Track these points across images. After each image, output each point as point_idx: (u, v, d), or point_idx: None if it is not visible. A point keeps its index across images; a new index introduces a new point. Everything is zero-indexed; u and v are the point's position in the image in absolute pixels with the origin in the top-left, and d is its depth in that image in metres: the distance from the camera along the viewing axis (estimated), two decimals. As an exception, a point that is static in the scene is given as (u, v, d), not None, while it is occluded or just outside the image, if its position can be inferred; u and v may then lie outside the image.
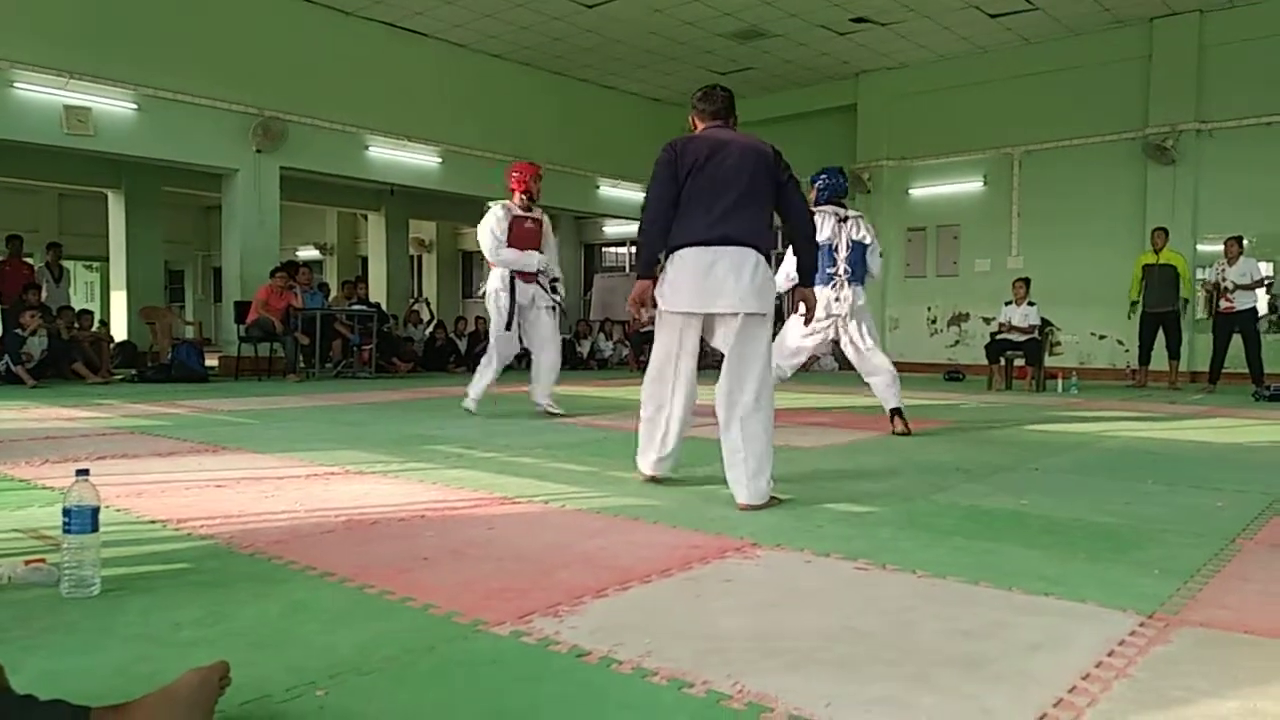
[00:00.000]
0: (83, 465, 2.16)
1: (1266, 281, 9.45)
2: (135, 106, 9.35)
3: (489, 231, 5.99)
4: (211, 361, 10.51)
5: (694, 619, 1.96)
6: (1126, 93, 11.29)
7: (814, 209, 5.27)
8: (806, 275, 3.49)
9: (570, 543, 2.66)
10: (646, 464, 3.59)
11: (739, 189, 3.23)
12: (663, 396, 3.44)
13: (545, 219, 6.27)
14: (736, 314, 3.21)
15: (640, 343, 13.32)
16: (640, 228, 3.39)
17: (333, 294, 13.16)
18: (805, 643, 1.80)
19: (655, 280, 3.34)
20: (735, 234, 3.21)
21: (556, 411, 6.19)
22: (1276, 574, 2.35)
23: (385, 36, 11.40)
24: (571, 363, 13.30)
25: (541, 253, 6.13)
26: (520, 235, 6.03)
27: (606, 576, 2.25)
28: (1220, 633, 1.87)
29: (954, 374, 11.45)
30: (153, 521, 2.83)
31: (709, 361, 3.39)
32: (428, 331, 12.76)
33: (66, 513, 2.03)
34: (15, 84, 8.61)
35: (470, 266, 19.36)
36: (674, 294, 3.29)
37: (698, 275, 3.22)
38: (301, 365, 9.96)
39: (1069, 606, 2.04)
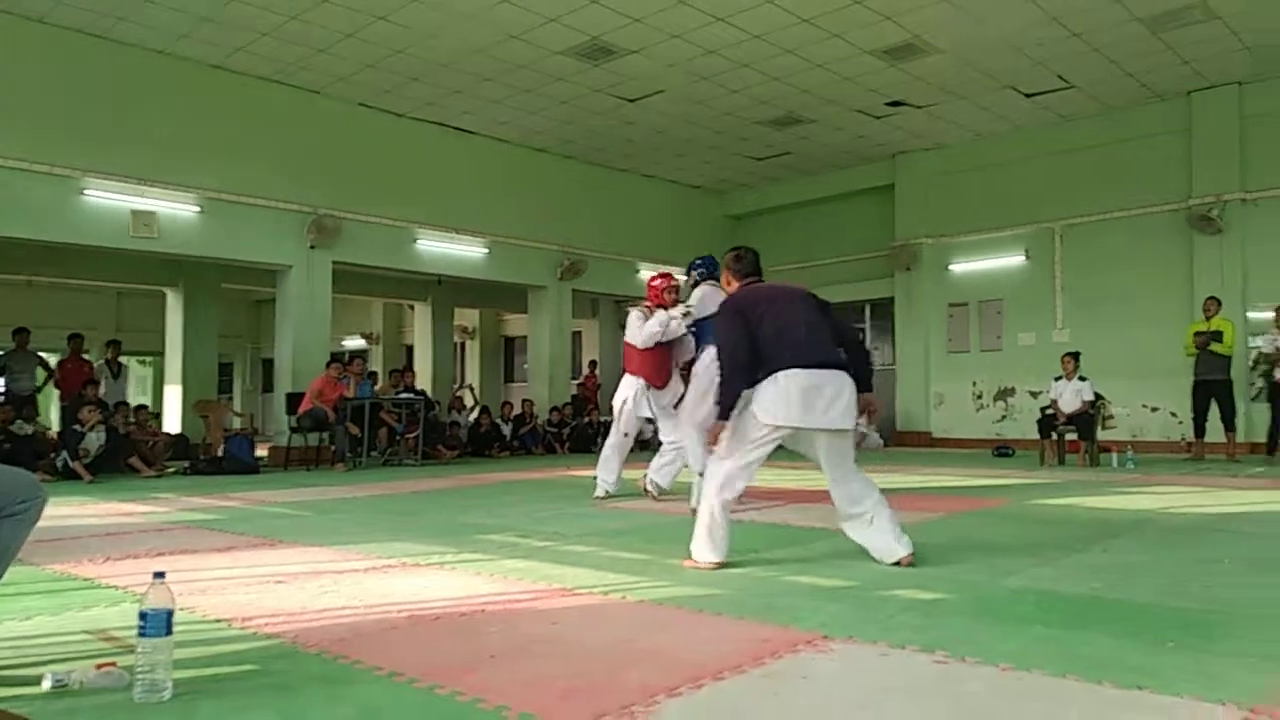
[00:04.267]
0: (145, 562, 2.19)
1: None
2: (198, 209, 9.73)
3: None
4: (260, 452, 10.65)
5: None
6: (1168, 165, 11.28)
7: (701, 286, 6.05)
8: (867, 381, 3.81)
9: (636, 637, 2.61)
10: (720, 553, 3.68)
11: (812, 323, 3.73)
12: (738, 488, 3.71)
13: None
14: (832, 430, 3.64)
15: (684, 425, 13.26)
16: (722, 373, 3.76)
17: (379, 383, 13.36)
18: (893, 745, 1.74)
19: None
20: (830, 359, 3.67)
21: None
22: (1383, 664, 2.23)
23: (435, 135, 11.81)
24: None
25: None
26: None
27: (677, 674, 2.20)
28: (1334, 731, 1.78)
29: (1003, 449, 11.22)
30: (218, 620, 2.83)
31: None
32: (472, 417, 12.85)
33: (142, 616, 2.04)
34: (85, 191, 9.01)
35: (512, 352, 19.57)
36: (784, 409, 3.58)
37: (805, 394, 3.57)
38: (348, 454, 10.06)
39: (1166, 702, 1.95)
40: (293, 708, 2.00)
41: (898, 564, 3.61)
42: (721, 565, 3.65)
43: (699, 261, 6.40)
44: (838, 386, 3.62)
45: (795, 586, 3.26)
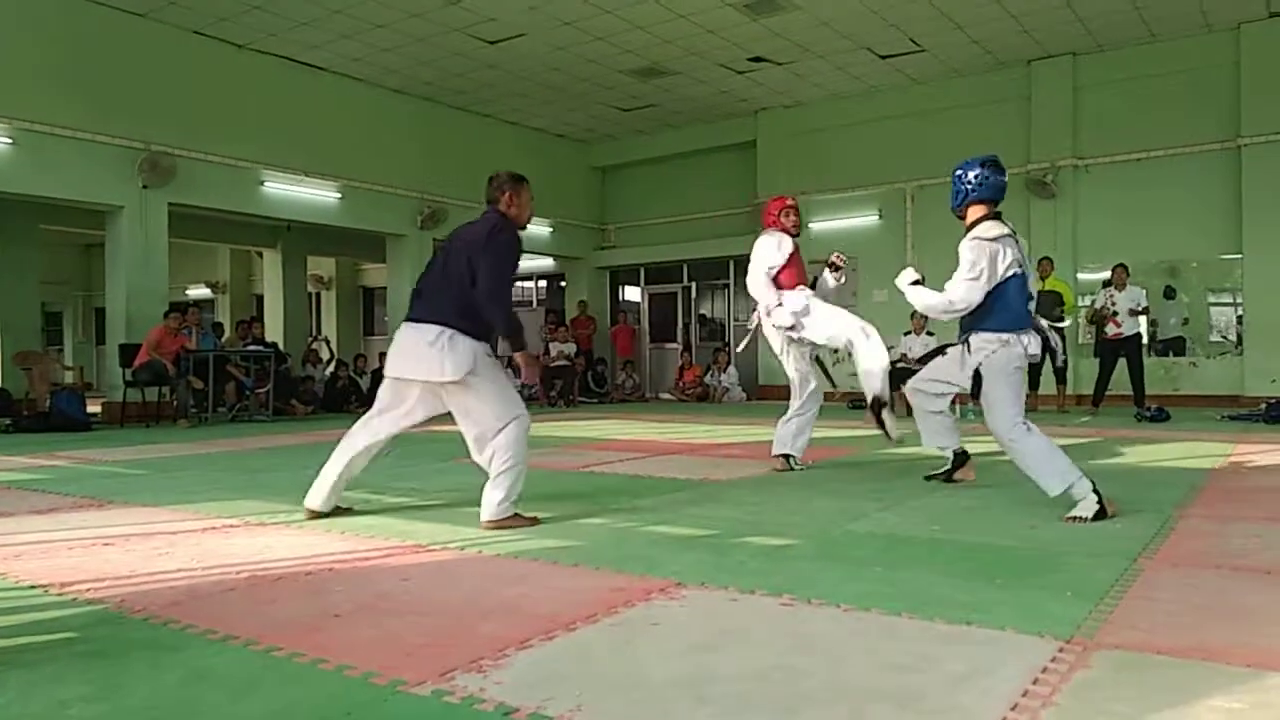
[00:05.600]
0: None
1: (1145, 308, 10.03)
2: (9, 141, 8.84)
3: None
4: (94, 408, 9.94)
5: (624, 667, 1.91)
6: (1009, 130, 11.88)
7: (979, 230, 4.22)
8: (507, 337, 3.64)
9: (489, 591, 2.57)
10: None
11: (442, 273, 3.63)
12: (356, 443, 3.77)
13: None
14: (422, 381, 3.58)
15: (551, 377, 13.24)
16: None
17: (226, 334, 12.66)
18: (739, 686, 1.77)
19: None
20: (424, 315, 3.58)
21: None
22: (1179, 593, 2.45)
23: (281, 70, 11.13)
24: (479, 400, 13.09)
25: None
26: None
27: (530, 626, 2.18)
28: (1135, 655, 1.93)
29: (857, 403, 11.70)
30: (33, 586, 2.62)
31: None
32: (328, 371, 12.38)
33: (-66, 585, 1.85)
34: (-128, 116, 8.05)
35: (372, 303, 18.91)
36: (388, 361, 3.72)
37: (394, 347, 3.66)
38: (194, 410, 9.52)
39: (990, 635, 2.07)
40: (112, 676, 1.87)
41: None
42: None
43: (965, 170, 4.31)
44: (415, 338, 3.53)
45: (652, 537, 3.29)
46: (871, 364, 5.12)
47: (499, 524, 3.49)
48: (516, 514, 3.56)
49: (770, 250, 5.16)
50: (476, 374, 3.50)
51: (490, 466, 3.55)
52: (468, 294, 3.53)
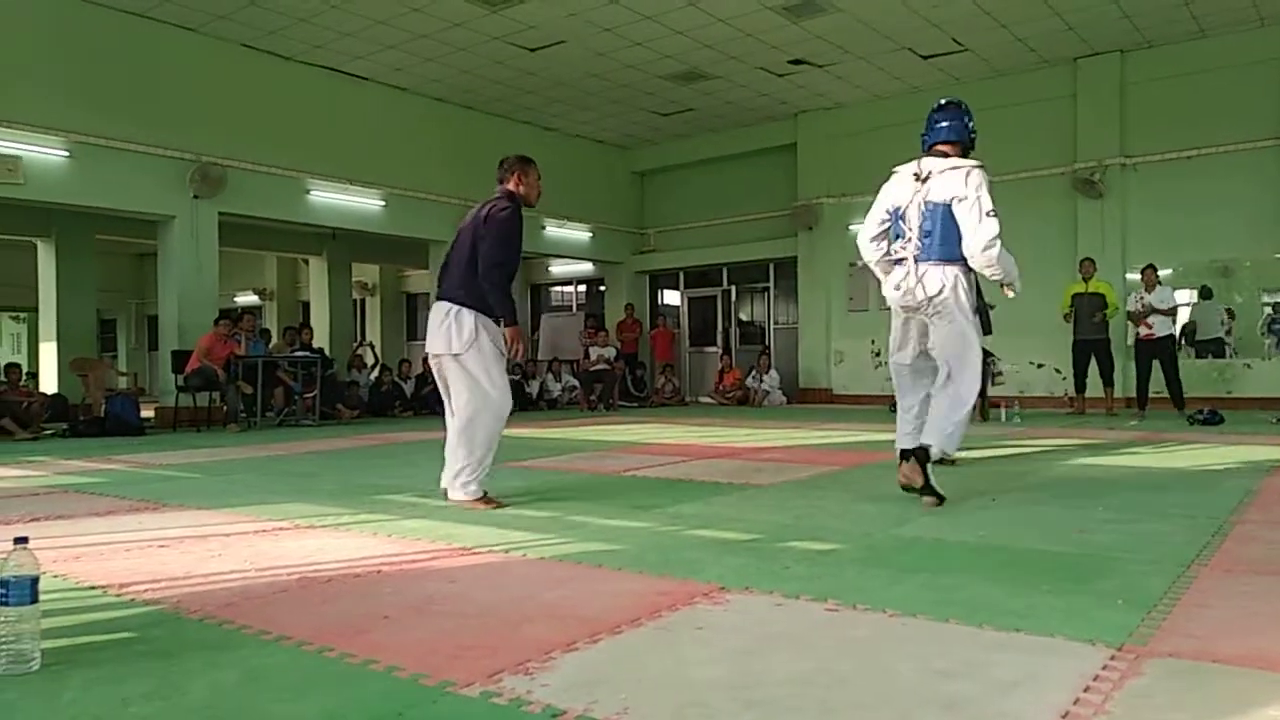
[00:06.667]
0: (16, 529, 2.06)
1: (1181, 307, 9.81)
2: (67, 154, 9.13)
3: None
4: (147, 413, 10.20)
5: (669, 670, 1.92)
6: (1055, 129, 11.71)
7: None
8: (500, 312, 4.03)
9: (535, 594, 2.60)
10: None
11: (456, 254, 4.03)
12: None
13: None
14: (439, 355, 4.02)
15: (591, 381, 13.29)
16: None
17: (274, 340, 12.91)
18: (784, 690, 1.77)
19: None
20: (441, 293, 4.05)
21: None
22: (1234, 600, 2.40)
23: (325, 80, 11.34)
24: (520, 403, 13.20)
25: None
26: None
27: (575, 629, 2.20)
28: (1189, 663, 1.89)
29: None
30: (93, 587, 2.70)
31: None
32: (373, 376, 12.55)
33: (3, 584, 1.92)
34: (-62, 132, 8.36)
35: (415, 309, 19.15)
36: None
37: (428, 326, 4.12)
38: (243, 414, 9.72)
39: (1039, 641, 2.04)
40: (171, 675, 1.92)
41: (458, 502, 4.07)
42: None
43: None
44: (434, 316, 4.02)
45: (696, 540, 3.30)
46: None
47: (468, 504, 4.00)
48: (484, 495, 4.06)
49: None
50: (477, 350, 3.92)
51: (460, 448, 3.99)
52: (472, 269, 3.94)
